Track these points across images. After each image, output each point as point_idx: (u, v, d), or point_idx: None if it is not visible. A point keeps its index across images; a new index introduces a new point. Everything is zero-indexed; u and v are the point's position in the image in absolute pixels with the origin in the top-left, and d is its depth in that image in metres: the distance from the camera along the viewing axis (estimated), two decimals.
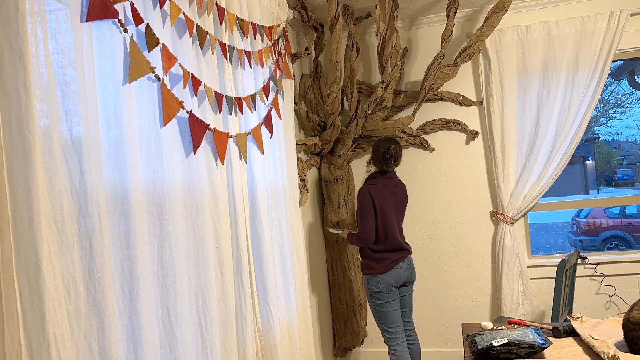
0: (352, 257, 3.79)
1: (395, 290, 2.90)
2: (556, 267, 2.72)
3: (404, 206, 3.04)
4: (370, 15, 3.59)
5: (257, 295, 2.24)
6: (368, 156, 3.89)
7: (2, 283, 1.12)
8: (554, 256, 3.68)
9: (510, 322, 2.19)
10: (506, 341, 1.73)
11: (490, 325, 2.18)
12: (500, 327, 2.05)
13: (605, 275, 3.45)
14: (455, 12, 3.26)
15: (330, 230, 3.30)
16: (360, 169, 3.91)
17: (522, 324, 2.14)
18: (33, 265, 1.14)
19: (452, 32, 3.32)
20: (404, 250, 2.95)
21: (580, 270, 3.48)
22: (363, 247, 2.94)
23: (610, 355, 1.62)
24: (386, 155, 2.94)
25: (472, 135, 3.67)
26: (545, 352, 1.79)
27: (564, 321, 2.18)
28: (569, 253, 2.89)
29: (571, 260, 2.83)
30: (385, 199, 2.92)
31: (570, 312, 2.93)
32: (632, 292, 3.42)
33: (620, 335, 1.80)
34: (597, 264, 3.47)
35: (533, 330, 1.80)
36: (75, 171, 1.27)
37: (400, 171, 3.83)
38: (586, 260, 3.48)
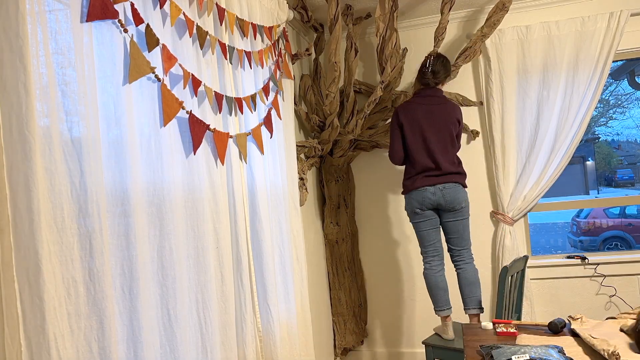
0: (352, 257, 3.79)
1: (422, 212, 2.87)
2: (521, 271, 2.72)
3: (445, 127, 2.86)
4: (370, 15, 3.59)
5: (257, 296, 2.24)
6: (368, 156, 3.89)
7: (2, 283, 1.12)
8: (554, 256, 3.68)
9: (494, 322, 2.18)
10: (528, 357, 1.66)
11: (490, 325, 2.18)
12: (519, 344, 2.00)
13: (605, 276, 3.45)
14: (450, 9, 3.25)
15: None
16: (360, 169, 3.91)
17: (508, 323, 2.13)
18: (33, 265, 1.14)
19: (445, 29, 3.31)
20: (437, 174, 2.82)
21: (580, 270, 3.48)
22: (405, 168, 2.97)
23: (610, 352, 1.61)
24: (424, 66, 2.85)
25: (473, 135, 3.67)
26: None
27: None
28: (513, 259, 2.83)
29: (517, 267, 2.75)
30: (415, 118, 2.83)
31: (519, 318, 2.87)
32: (632, 293, 3.42)
33: (620, 336, 1.80)
34: (597, 264, 3.47)
35: (556, 349, 1.76)
36: (75, 171, 1.27)
37: (400, 171, 3.83)
38: (586, 260, 3.48)
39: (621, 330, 1.79)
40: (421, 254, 3.01)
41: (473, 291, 2.92)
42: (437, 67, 2.87)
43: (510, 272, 2.65)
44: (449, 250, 2.99)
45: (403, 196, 3.79)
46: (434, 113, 2.86)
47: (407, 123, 2.86)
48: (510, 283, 2.70)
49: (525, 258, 2.90)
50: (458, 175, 2.89)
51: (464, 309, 2.97)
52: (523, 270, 2.90)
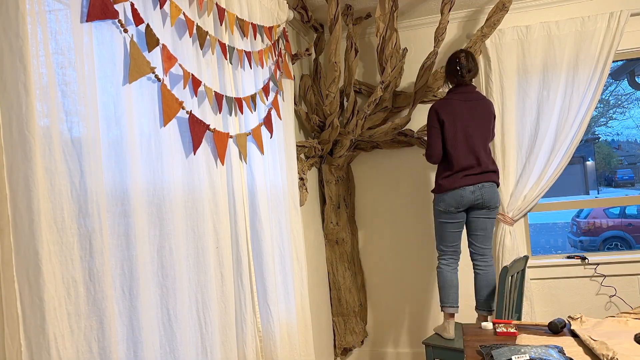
0: (352, 257, 3.79)
1: (455, 213, 2.84)
2: (522, 271, 2.71)
3: (486, 123, 2.88)
4: (370, 15, 3.59)
5: (257, 296, 2.24)
6: (368, 156, 3.89)
7: (2, 283, 1.12)
8: (554, 257, 3.68)
9: (494, 322, 2.18)
10: (528, 358, 1.64)
11: (490, 325, 2.18)
12: (519, 344, 2.00)
13: (605, 276, 3.44)
14: (450, 9, 3.25)
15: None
16: (360, 169, 3.91)
17: (508, 323, 2.13)
18: (33, 265, 1.14)
19: (445, 29, 3.31)
20: (478, 172, 2.81)
21: (580, 270, 3.48)
22: (440, 166, 2.90)
23: (609, 358, 1.62)
24: (458, 64, 2.85)
25: None
26: None
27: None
28: (513, 259, 2.82)
29: (517, 267, 2.75)
30: (456, 114, 2.82)
31: (519, 318, 2.87)
32: (632, 293, 3.42)
33: (620, 336, 1.80)
34: (597, 264, 3.47)
35: (556, 349, 1.76)
36: (75, 171, 1.28)
37: (400, 171, 3.83)
38: (586, 260, 3.48)
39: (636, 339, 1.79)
40: (438, 250, 2.98)
41: (491, 295, 2.92)
42: (471, 65, 2.89)
43: (510, 272, 2.64)
44: (472, 248, 2.96)
45: (407, 196, 3.80)
46: (475, 109, 2.87)
47: (448, 120, 2.82)
48: (511, 283, 2.70)
49: (526, 258, 2.89)
50: (496, 174, 2.90)
51: (477, 309, 2.97)
52: (523, 271, 2.89)
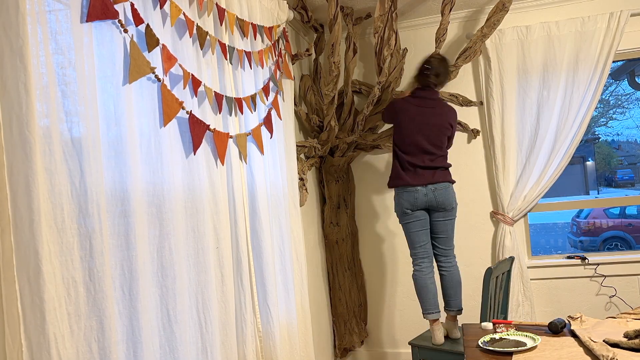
0: (352, 258, 3.79)
1: (413, 213, 2.88)
2: (507, 272, 2.70)
3: (438, 133, 2.89)
4: (370, 15, 3.59)
5: (257, 296, 2.24)
6: (368, 156, 3.89)
7: (2, 283, 1.12)
8: (554, 257, 3.68)
9: (494, 323, 2.18)
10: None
11: (490, 326, 2.18)
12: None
13: (604, 276, 3.44)
14: (451, 10, 3.25)
15: None
16: (360, 169, 3.91)
17: (508, 323, 2.14)
18: (33, 265, 1.14)
19: (446, 30, 3.31)
20: (427, 174, 2.86)
21: (580, 271, 3.48)
22: (393, 163, 2.96)
23: (609, 359, 1.62)
24: (429, 65, 2.87)
25: (474, 133, 3.67)
26: (545, 352, 1.79)
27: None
28: (498, 261, 2.83)
29: (502, 268, 2.75)
30: (409, 119, 2.87)
31: (505, 318, 2.87)
32: (632, 293, 3.42)
33: (620, 336, 1.80)
34: (598, 264, 3.46)
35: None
36: (76, 171, 1.28)
37: None
38: (586, 260, 3.48)
39: (625, 337, 1.79)
40: (411, 256, 3.00)
41: (458, 293, 2.97)
42: (440, 70, 2.89)
43: (495, 273, 2.64)
44: (436, 250, 3.00)
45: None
46: (431, 116, 2.89)
47: (403, 116, 2.90)
48: (496, 284, 2.70)
49: (511, 259, 2.89)
50: (448, 173, 2.94)
51: (445, 309, 2.99)
52: (509, 272, 2.89)
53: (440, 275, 2.99)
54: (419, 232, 2.92)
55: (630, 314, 2.16)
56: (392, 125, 3.11)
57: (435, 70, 2.87)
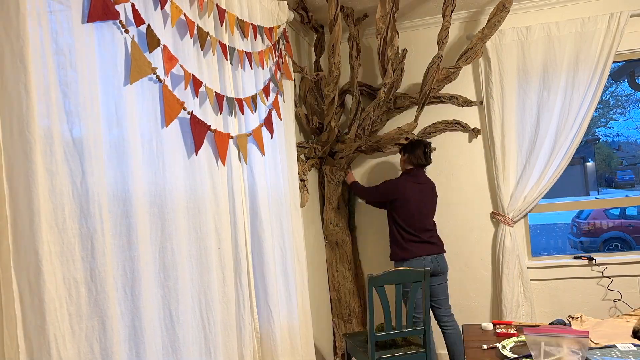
0: (352, 259, 3.78)
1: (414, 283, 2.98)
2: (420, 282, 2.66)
3: (432, 204, 3.26)
4: (367, 16, 3.59)
5: (254, 297, 2.24)
6: (368, 157, 3.89)
7: (2, 283, 1.12)
8: (554, 257, 3.68)
9: (494, 323, 2.18)
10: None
11: (490, 326, 2.18)
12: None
13: (607, 276, 3.44)
14: (452, 12, 3.25)
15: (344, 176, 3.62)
16: (360, 170, 3.91)
17: (508, 324, 2.14)
18: (33, 266, 1.14)
19: (448, 32, 3.31)
20: (431, 245, 3.15)
21: (581, 271, 3.48)
22: (392, 237, 3.21)
23: None
24: (426, 149, 3.22)
25: (475, 133, 3.67)
26: None
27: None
28: (384, 271, 2.75)
29: (400, 278, 2.75)
30: (412, 194, 3.16)
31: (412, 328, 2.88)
32: (632, 294, 3.42)
33: (620, 337, 1.80)
34: (606, 265, 3.45)
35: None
36: (77, 172, 1.27)
37: (400, 172, 3.82)
38: (594, 261, 3.46)
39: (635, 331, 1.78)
40: (414, 319, 3.01)
41: (461, 347, 3.13)
42: (429, 153, 3.26)
43: (383, 282, 2.67)
44: (437, 312, 3.21)
45: None
46: (425, 191, 3.22)
47: (404, 197, 3.15)
48: (411, 293, 2.79)
49: (425, 271, 2.79)
50: (442, 244, 3.25)
51: None
52: (424, 283, 2.80)
53: (446, 334, 3.21)
54: (421, 299, 2.99)
55: (630, 314, 2.16)
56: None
57: (430, 154, 3.25)
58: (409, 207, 3.15)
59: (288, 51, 2.89)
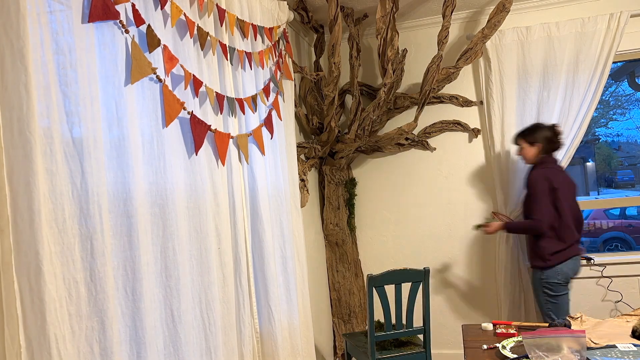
0: (352, 259, 3.78)
1: (571, 282, 2.84)
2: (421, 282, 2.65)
3: (575, 197, 2.90)
4: (367, 16, 3.59)
5: (254, 297, 2.24)
6: (368, 157, 3.89)
7: (2, 283, 1.12)
8: None
9: (494, 324, 2.18)
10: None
11: (490, 326, 2.18)
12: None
13: (612, 279, 3.43)
14: (452, 12, 3.25)
15: (477, 227, 3.26)
16: (360, 169, 3.91)
17: (508, 324, 2.14)
18: (34, 266, 1.14)
19: (448, 32, 3.31)
20: (579, 242, 2.88)
21: (584, 271, 3.48)
22: (541, 239, 2.79)
23: None
24: (556, 135, 2.88)
25: (475, 133, 3.67)
26: None
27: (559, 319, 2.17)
28: (385, 271, 2.74)
29: (401, 277, 2.71)
30: (563, 185, 2.80)
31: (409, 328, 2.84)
32: (632, 294, 3.41)
33: (620, 337, 1.80)
34: (605, 265, 3.45)
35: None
36: (77, 172, 1.27)
37: (401, 171, 3.83)
38: (592, 261, 3.46)
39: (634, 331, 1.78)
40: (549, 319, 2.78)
41: None
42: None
43: (383, 282, 2.64)
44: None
45: (407, 197, 3.78)
46: (570, 182, 2.89)
47: (561, 188, 2.78)
48: (400, 293, 2.71)
49: (425, 271, 2.77)
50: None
51: None
52: (424, 283, 2.79)
53: None
54: (570, 302, 2.86)
55: (631, 315, 2.16)
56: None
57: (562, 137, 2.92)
58: (563, 196, 2.78)
59: (288, 51, 2.89)
